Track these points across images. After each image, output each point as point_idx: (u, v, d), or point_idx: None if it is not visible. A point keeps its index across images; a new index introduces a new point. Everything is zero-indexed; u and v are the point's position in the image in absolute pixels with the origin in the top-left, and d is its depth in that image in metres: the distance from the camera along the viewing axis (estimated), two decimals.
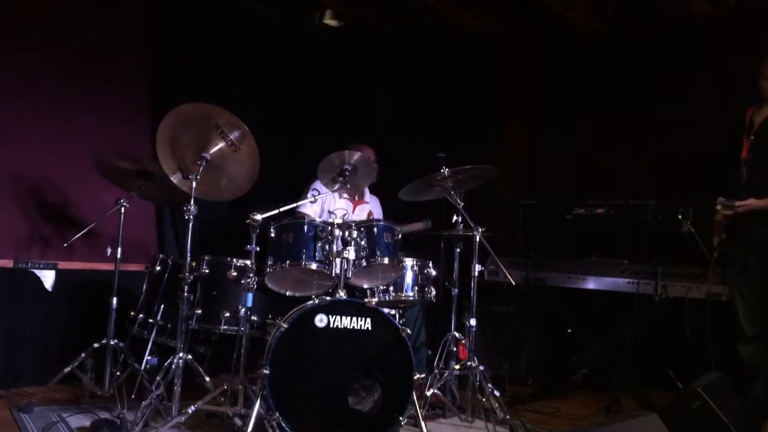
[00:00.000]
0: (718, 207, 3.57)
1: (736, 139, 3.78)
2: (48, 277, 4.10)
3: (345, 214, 3.84)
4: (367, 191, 4.44)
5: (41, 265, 4.06)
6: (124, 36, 4.51)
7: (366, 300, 3.33)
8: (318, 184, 3.85)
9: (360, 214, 4.37)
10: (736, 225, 3.59)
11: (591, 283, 4.47)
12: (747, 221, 3.53)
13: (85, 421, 3.25)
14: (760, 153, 3.60)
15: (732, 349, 3.60)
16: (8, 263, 3.97)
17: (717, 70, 4.55)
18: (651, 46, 5.08)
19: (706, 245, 3.78)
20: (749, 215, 3.51)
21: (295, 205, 3.59)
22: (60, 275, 4.13)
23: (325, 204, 4.21)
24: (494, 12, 5.35)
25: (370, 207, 4.46)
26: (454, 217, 3.81)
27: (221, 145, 3.34)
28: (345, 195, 4.22)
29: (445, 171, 3.63)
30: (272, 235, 3.35)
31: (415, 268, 3.76)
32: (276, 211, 3.31)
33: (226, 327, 3.49)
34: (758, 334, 3.54)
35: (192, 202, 3.23)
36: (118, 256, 3.59)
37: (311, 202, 3.84)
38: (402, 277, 3.69)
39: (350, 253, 3.29)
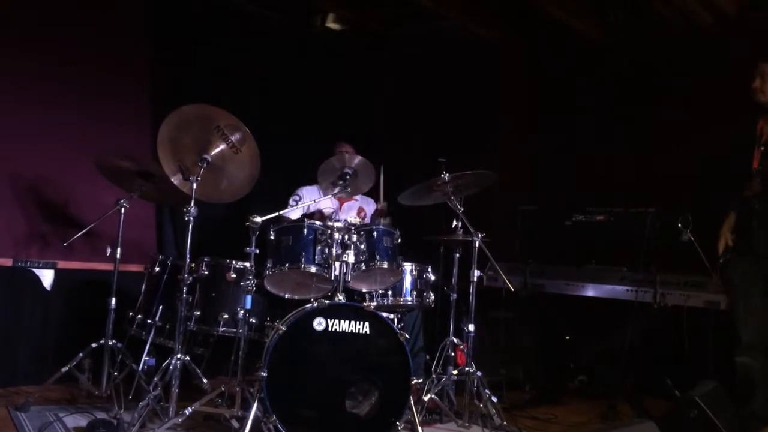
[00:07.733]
0: None
1: (737, 147, 3.78)
2: (47, 277, 4.10)
3: (333, 212, 3.83)
4: None
5: (40, 265, 4.06)
6: (125, 37, 4.53)
7: (365, 304, 3.32)
8: (302, 191, 3.82)
9: (348, 211, 4.33)
10: (749, 235, 3.56)
11: (590, 290, 4.46)
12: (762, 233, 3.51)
13: (82, 421, 3.24)
14: None
15: (729, 358, 3.60)
16: (7, 262, 3.97)
17: (717, 78, 4.56)
18: (651, 54, 5.09)
19: (705, 254, 3.78)
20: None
21: (278, 213, 3.48)
22: (59, 275, 4.13)
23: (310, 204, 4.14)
24: (495, 19, 5.36)
25: (361, 205, 4.41)
26: (454, 222, 3.81)
27: (222, 146, 3.33)
28: None
29: (446, 176, 3.63)
30: (272, 237, 3.35)
31: (414, 272, 3.76)
32: (276, 214, 3.31)
33: (224, 329, 3.48)
34: (754, 343, 3.54)
35: (192, 204, 3.23)
36: (118, 256, 3.58)
37: (293, 207, 3.79)
38: (401, 281, 3.68)
39: (350, 257, 3.29)
